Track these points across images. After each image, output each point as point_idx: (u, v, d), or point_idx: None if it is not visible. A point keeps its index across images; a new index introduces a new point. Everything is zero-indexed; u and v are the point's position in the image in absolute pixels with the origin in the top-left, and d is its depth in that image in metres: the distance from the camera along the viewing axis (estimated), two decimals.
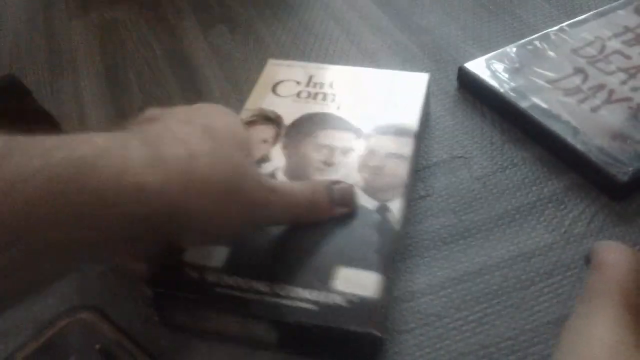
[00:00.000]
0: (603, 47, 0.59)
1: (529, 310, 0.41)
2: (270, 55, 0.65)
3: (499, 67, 0.57)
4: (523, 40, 0.60)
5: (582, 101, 0.53)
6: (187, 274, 0.40)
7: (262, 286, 0.39)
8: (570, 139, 0.50)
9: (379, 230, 0.41)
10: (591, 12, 0.64)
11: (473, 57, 0.59)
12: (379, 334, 0.36)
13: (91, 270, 0.45)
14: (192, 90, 0.62)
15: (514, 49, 0.59)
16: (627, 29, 0.61)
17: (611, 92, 0.54)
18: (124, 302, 0.43)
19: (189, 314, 0.40)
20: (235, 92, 0.61)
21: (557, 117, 0.52)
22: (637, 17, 0.62)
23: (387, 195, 0.44)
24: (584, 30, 0.61)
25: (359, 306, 0.37)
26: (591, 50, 0.59)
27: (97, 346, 0.38)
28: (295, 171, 0.46)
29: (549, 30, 0.61)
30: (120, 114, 0.60)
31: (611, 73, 0.56)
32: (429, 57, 0.63)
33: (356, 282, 0.38)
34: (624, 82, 0.55)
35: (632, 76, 0.55)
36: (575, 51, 0.59)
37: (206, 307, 0.39)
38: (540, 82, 0.55)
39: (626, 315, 0.29)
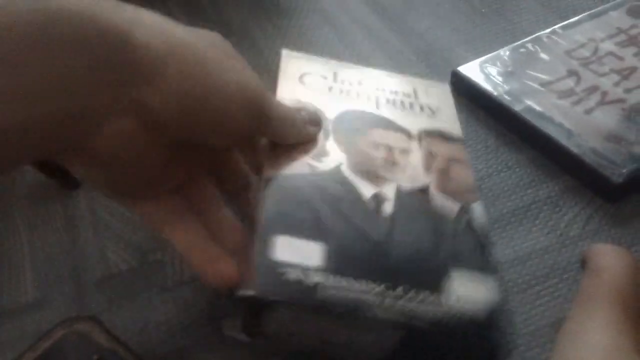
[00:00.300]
0: (596, 49, 0.59)
1: (526, 314, 0.41)
2: (264, 62, 0.65)
3: (492, 70, 0.58)
4: (516, 43, 0.61)
5: (575, 103, 0.53)
6: (284, 275, 0.34)
7: (373, 287, 0.35)
8: (564, 141, 0.50)
9: (471, 233, 0.39)
10: (584, 14, 0.64)
11: (466, 60, 0.60)
12: (508, 345, 0.34)
13: (90, 278, 0.46)
14: None
15: (507, 52, 0.60)
16: (619, 30, 0.61)
17: (604, 93, 0.54)
18: (120, 312, 0.43)
19: (287, 323, 0.35)
20: None
21: (550, 120, 0.52)
22: (629, 19, 0.63)
23: (464, 198, 0.41)
24: (577, 32, 0.61)
25: (483, 314, 0.35)
26: (584, 52, 0.59)
27: (95, 357, 0.38)
28: (360, 166, 0.42)
29: (542, 32, 0.62)
30: None
31: (604, 75, 0.56)
32: (423, 60, 0.63)
33: (472, 287, 0.36)
34: (617, 84, 0.55)
35: (625, 77, 0.56)
36: (568, 53, 0.59)
37: (312, 313, 0.34)
38: (534, 84, 0.56)
39: (623, 319, 0.29)
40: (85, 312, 0.43)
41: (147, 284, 0.45)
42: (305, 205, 0.38)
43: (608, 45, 0.59)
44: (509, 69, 0.58)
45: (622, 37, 0.60)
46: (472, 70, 0.58)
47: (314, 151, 0.43)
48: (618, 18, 0.63)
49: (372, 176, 0.41)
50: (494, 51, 0.60)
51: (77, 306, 0.44)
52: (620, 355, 0.27)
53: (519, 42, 0.61)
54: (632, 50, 0.59)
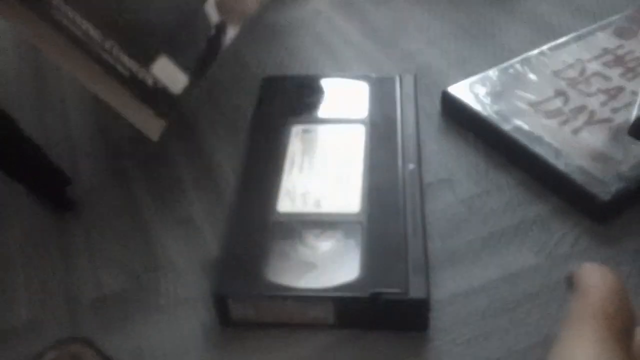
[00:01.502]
0: (583, 70, 0.60)
1: (516, 332, 0.41)
2: (256, 81, 0.65)
3: (481, 90, 0.58)
4: (504, 64, 0.62)
5: (563, 123, 0.54)
6: None
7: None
8: (552, 160, 0.51)
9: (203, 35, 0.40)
10: (571, 35, 0.65)
11: (456, 81, 0.60)
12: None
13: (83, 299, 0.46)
14: (179, 118, 0.62)
15: (496, 73, 0.61)
16: (606, 51, 0.62)
17: (592, 113, 0.55)
18: (114, 334, 0.44)
19: None
20: (223, 117, 0.61)
21: (539, 140, 0.53)
22: (616, 39, 0.64)
23: (230, 16, 0.42)
24: (564, 53, 0.62)
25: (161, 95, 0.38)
26: (572, 73, 0.60)
27: None
28: None
29: (530, 53, 0.63)
30: (110, 144, 0.61)
31: (592, 95, 0.57)
32: None
33: (169, 74, 0.38)
34: (604, 104, 0.56)
35: (612, 97, 0.57)
36: (556, 74, 0.60)
37: None
38: (522, 105, 0.56)
39: (609, 339, 0.29)
40: (79, 334, 0.44)
41: (141, 305, 0.45)
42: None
43: (595, 66, 0.60)
44: (498, 89, 0.58)
45: (609, 57, 0.61)
46: (461, 90, 0.59)
47: None
48: (605, 39, 0.64)
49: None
50: (483, 72, 0.61)
51: (70, 328, 0.44)
52: None
53: (507, 63, 0.62)
54: (619, 70, 0.60)
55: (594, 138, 0.53)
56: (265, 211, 0.46)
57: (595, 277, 0.32)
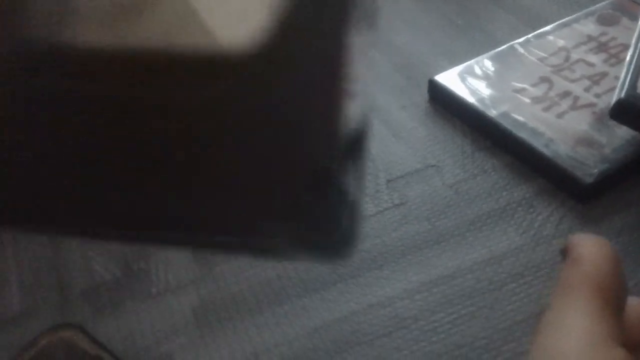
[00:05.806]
0: (567, 56, 0.61)
1: (501, 310, 0.42)
2: None
3: (468, 78, 0.59)
4: (490, 53, 0.62)
5: (548, 108, 0.55)
6: None
7: None
8: (537, 145, 0.51)
9: None
10: (555, 23, 0.66)
11: (442, 70, 0.61)
12: None
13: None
14: None
15: (482, 61, 0.61)
16: (590, 38, 0.63)
17: (576, 98, 0.56)
18: (105, 320, 0.44)
19: None
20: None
21: (524, 125, 0.53)
22: (599, 27, 0.64)
23: None
24: (549, 41, 0.63)
25: None
26: (556, 60, 0.60)
27: None
28: None
29: (515, 42, 0.63)
30: None
31: (575, 80, 0.58)
32: (400, 72, 0.65)
33: None
34: (588, 89, 0.57)
35: (595, 83, 0.57)
36: (541, 61, 0.61)
37: None
38: (508, 91, 0.57)
39: (602, 307, 0.29)
40: (71, 321, 0.44)
41: (132, 292, 0.46)
42: None
43: (579, 53, 0.61)
44: (484, 77, 0.59)
45: (593, 44, 0.62)
46: (448, 78, 0.60)
47: None
48: (588, 26, 0.65)
49: None
50: (469, 61, 0.62)
51: (62, 316, 0.45)
52: (596, 342, 0.28)
53: (493, 51, 0.62)
54: (603, 56, 0.60)
55: (578, 122, 0.53)
56: None
57: (590, 246, 0.32)
